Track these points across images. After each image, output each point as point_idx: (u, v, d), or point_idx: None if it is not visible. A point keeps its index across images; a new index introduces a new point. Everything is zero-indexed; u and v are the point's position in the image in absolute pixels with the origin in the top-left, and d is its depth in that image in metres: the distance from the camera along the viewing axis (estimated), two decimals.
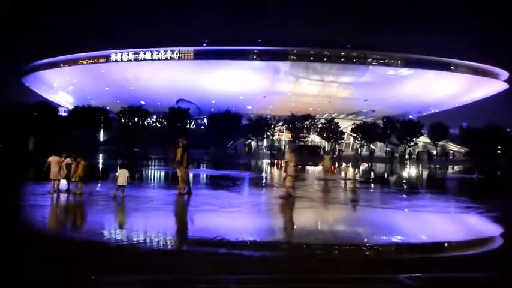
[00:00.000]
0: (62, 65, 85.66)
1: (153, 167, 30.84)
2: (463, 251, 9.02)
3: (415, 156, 62.91)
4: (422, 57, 74.84)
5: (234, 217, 11.66)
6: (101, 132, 67.52)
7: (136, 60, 76.81)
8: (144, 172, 25.69)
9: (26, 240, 8.41)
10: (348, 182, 21.36)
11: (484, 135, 66.75)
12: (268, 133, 70.22)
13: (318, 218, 12.58)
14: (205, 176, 24.36)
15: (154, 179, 23.14)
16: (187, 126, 68.37)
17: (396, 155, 64.61)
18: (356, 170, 22.97)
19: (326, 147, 69.79)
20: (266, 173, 29.91)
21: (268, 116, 72.31)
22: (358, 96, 77.13)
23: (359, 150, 55.60)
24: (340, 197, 17.11)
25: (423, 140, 75.96)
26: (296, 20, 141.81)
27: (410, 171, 37.94)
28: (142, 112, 66.45)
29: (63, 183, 14.19)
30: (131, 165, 23.18)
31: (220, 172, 26.39)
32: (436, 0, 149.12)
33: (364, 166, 35.10)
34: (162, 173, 25.63)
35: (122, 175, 13.07)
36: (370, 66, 74.86)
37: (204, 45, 74.58)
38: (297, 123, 68.93)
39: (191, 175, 16.06)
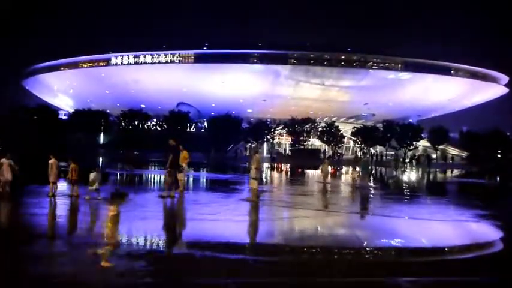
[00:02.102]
0: (62, 68, 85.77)
1: (150, 171, 30.78)
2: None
3: (409, 160, 62.64)
4: (423, 61, 74.95)
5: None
6: (101, 135, 67.49)
7: (136, 63, 76.87)
8: (143, 176, 25.63)
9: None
10: (357, 187, 20.94)
11: (484, 139, 66.71)
12: (269, 137, 70.16)
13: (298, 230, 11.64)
14: (200, 179, 24.32)
15: (150, 182, 23.07)
16: (188, 129, 68.33)
17: (389, 158, 64.39)
18: (365, 175, 22.41)
19: (326, 151, 69.74)
20: (266, 177, 29.84)
21: (269, 120, 72.27)
22: (358, 100, 77.13)
23: (368, 154, 55.21)
24: (341, 204, 16.51)
25: (423, 143, 75.92)
26: (296, 24, 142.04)
27: (409, 175, 37.82)
28: (142, 115, 66.46)
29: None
30: (136, 166, 23.10)
31: (219, 176, 26.34)
32: (437, 4, 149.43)
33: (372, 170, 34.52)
34: (160, 177, 25.51)
35: (95, 178, 13.21)
36: (370, 70, 74.91)
37: (204, 48, 74.66)
38: (297, 126, 68.87)
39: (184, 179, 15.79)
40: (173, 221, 12.00)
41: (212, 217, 11.73)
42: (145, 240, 9.06)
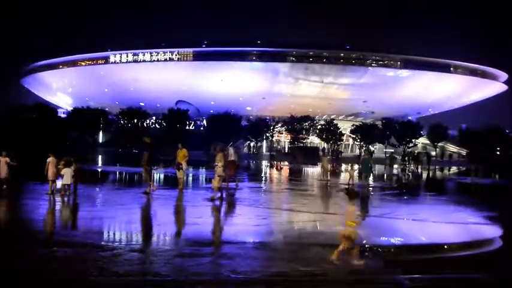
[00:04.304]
0: (61, 66, 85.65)
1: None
2: None
3: (407, 158, 62.26)
4: (422, 58, 74.96)
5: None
6: (100, 133, 67.50)
7: (135, 61, 76.82)
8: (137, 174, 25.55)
9: None
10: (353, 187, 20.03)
11: (483, 137, 66.79)
12: (268, 134, 70.17)
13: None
14: (198, 177, 24.29)
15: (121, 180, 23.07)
16: (187, 127, 68.32)
17: (387, 155, 64.22)
18: (367, 174, 20.69)
19: (326, 149, 69.73)
20: (265, 174, 29.85)
21: (268, 118, 72.30)
22: (357, 98, 77.17)
23: (369, 151, 54.17)
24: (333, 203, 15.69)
25: (422, 141, 75.98)
26: (295, 22, 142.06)
27: (408, 173, 37.62)
28: (141, 113, 66.45)
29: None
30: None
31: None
32: (436, 1, 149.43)
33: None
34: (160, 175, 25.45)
35: (67, 174, 13.43)
36: (370, 68, 74.91)
37: (203, 46, 74.62)
38: (297, 124, 68.93)
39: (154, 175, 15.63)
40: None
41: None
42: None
